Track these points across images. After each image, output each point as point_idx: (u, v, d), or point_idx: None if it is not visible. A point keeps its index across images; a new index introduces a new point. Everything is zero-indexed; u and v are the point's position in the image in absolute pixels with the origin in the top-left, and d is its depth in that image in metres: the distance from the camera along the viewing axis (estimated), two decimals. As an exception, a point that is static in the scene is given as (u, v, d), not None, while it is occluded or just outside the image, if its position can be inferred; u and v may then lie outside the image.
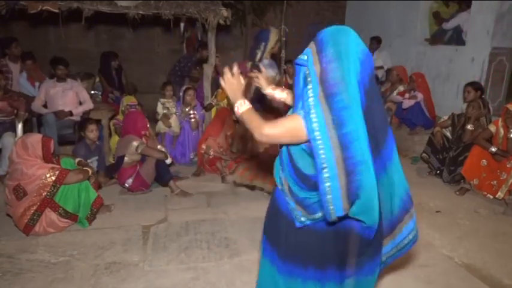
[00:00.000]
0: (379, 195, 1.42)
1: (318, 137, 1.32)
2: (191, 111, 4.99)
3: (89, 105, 4.72)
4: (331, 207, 1.38)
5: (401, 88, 5.76)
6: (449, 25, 6.03)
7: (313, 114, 1.33)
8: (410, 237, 1.67)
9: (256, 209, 3.48)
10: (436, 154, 4.47)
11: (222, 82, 1.61)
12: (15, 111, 4.28)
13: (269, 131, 1.45)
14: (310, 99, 1.33)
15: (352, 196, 1.36)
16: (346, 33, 1.37)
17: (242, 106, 1.55)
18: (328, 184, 1.35)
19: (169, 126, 4.93)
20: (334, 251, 1.58)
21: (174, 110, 5.02)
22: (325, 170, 1.34)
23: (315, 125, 1.32)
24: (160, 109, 5.03)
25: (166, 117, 4.93)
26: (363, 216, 1.43)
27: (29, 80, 5.15)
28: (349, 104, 1.30)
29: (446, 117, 4.65)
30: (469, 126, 4.12)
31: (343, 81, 1.30)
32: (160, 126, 4.96)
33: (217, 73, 5.34)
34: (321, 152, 1.33)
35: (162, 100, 5.08)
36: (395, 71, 5.88)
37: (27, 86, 5.12)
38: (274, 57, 4.12)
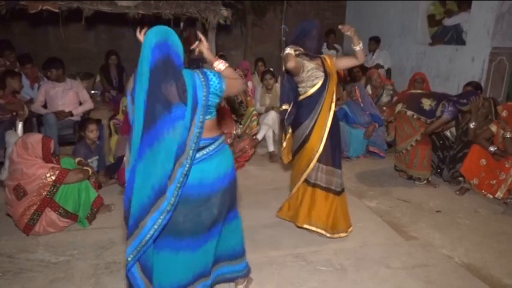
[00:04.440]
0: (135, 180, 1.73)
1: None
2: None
3: (89, 105, 4.71)
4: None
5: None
6: (449, 22, 6.01)
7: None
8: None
9: (256, 208, 3.49)
10: (435, 151, 4.46)
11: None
12: (14, 113, 4.26)
13: None
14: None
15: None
16: (150, 33, 1.74)
17: None
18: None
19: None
20: None
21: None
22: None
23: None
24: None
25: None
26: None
27: (28, 81, 5.12)
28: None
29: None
30: (472, 125, 4.10)
31: (141, 72, 1.71)
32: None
33: None
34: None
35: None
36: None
37: (25, 87, 5.05)
38: None
